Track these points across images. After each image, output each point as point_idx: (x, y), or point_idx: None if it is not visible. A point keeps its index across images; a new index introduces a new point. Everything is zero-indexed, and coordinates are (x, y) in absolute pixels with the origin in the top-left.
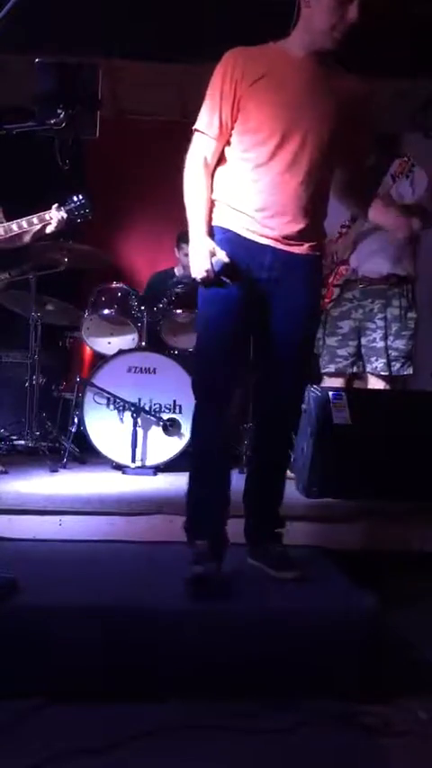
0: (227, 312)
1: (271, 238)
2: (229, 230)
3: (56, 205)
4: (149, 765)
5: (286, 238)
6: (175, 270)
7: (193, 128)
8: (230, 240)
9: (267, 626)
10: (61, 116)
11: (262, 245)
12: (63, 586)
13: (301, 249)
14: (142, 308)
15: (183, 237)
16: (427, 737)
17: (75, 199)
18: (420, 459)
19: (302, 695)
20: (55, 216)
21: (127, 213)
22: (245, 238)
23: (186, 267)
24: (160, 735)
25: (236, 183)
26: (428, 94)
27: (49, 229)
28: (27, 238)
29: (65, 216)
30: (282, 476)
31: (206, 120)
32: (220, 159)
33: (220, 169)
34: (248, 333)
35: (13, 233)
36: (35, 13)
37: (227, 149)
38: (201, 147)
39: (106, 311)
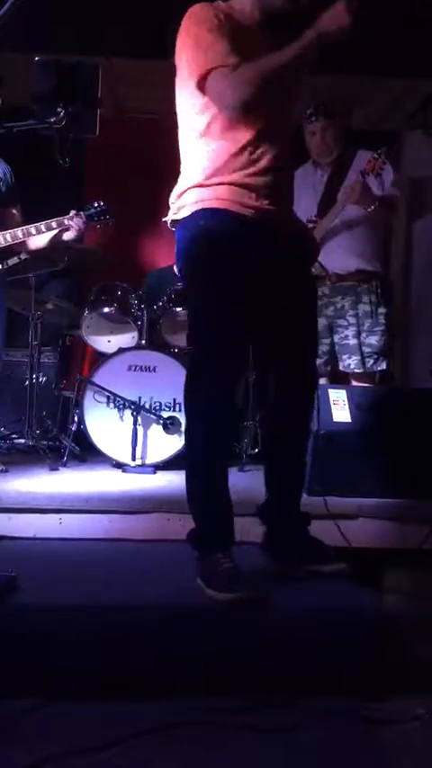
0: (237, 299)
1: (276, 216)
2: (236, 212)
3: (74, 211)
4: (149, 764)
5: (287, 214)
6: (174, 267)
7: (208, 68)
8: (238, 221)
9: (268, 624)
10: (61, 115)
11: (268, 224)
12: (63, 585)
13: (297, 226)
14: (142, 306)
15: None
16: (427, 734)
17: (96, 204)
18: (421, 456)
19: (304, 693)
20: (76, 222)
21: (127, 212)
22: (251, 218)
23: None
24: (160, 733)
25: (233, 160)
26: (428, 93)
27: (67, 236)
28: (44, 242)
29: (84, 222)
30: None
31: (222, 53)
32: (203, 135)
33: (205, 150)
34: (258, 321)
35: (31, 236)
36: (35, 12)
37: (211, 125)
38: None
39: (106, 309)
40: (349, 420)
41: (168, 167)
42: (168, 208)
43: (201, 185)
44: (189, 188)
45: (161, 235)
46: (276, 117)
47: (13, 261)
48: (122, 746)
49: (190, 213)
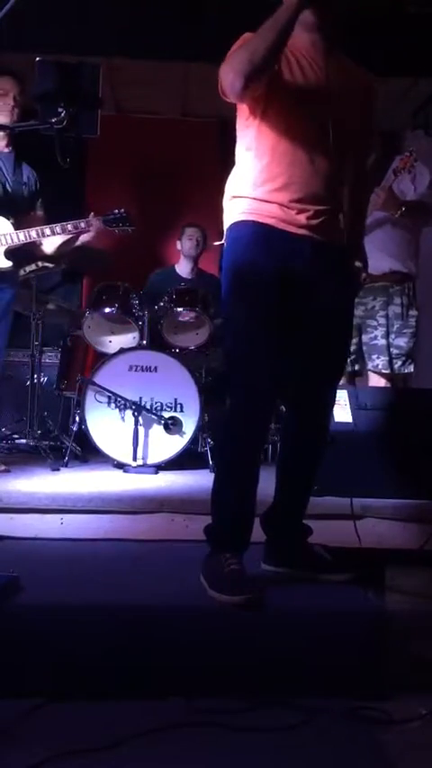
0: (267, 305)
1: (309, 227)
2: (262, 223)
3: (92, 214)
4: (150, 764)
5: (325, 226)
6: (176, 267)
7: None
8: (264, 230)
9: (269, 624)
10: (62, 115)
11: (300, 236)
12: (65, 585)
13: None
14: (143, 306)
15: (186, 226)
16: (428, 734)
17: (116, 211)
18: (422, 457)
19: (304, 693)
20: (95, 225)
21: (127, 212)
22: (279, 229)
23: (188, 256)
24: (161, 733)
25: (264, 174)
26: (429, 93)
27: (83, 239)
28: (57, 244)
29: (101, 227)
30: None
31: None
32: (239, 154)
33: (239, 167)
34: (291, 325)
35: (45, 237)
36: (36, 13)
37: (245, 142)
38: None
39: (107, 309)
40: (351, 420)
41: (169, 167)
42: (167, 209)
43: (233, 198)
44: (227, 202)
45: (162, 234)
46: (304, 134)
47: (30, 268)
48: (123, 747)
49: (226, 231)
